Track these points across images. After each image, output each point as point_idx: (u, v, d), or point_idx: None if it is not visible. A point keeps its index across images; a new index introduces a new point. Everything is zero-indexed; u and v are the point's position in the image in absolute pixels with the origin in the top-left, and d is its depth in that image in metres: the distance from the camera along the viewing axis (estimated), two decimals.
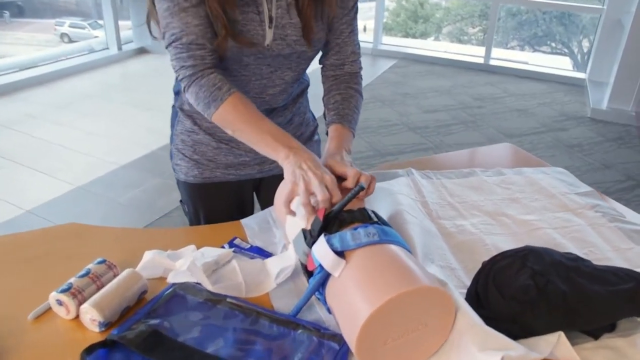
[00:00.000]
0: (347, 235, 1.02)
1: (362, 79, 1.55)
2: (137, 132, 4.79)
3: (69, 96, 5.77)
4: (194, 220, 1.70)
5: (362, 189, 1.12)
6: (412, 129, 4.95)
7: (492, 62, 6.91)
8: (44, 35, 11.09)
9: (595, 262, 1.20)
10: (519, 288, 1.02)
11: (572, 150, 4.55)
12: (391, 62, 7.22)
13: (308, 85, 1.67)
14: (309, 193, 1.12)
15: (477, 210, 1.50)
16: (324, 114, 1.49)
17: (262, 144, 1.27)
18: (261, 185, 1.73)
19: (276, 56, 1.37)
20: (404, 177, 1.64)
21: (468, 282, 1.16)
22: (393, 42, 8.21)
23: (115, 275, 1.14)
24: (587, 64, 6.40)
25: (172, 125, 1.63)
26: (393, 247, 1.02)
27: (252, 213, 1.72)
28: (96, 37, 8.14)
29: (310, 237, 1.08)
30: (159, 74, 6.43)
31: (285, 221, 1.22)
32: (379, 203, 1.40)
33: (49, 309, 1.10)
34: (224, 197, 1.66)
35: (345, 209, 1.10)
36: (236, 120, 1.29)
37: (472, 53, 7.24)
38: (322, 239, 1.04)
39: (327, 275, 1.02)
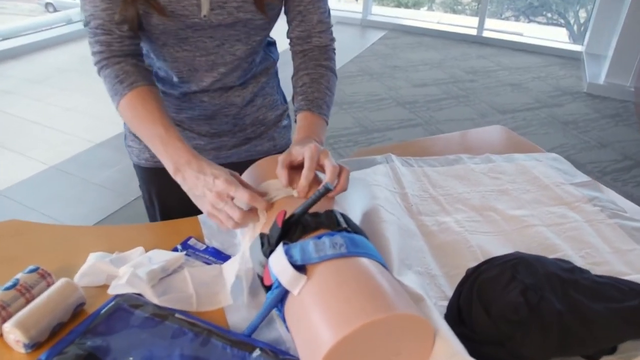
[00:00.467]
0: (310, 245, 0.88)
1: (334, 53, 1.38)
2: (113, 108, 4.58)
3: (45, 70, 5.62)
4: (150, 208, 1.59)
5: (327, 190, 0.96)
6: (400, 103, 4.80)
7: (486, 34, 6.74)
8: (28, 5, 10.81)
9: (593, 266, 1.08)
10: (508, 306, 0.89)
11: (567, 127, 4.40)
12: (381, 33, 7.07)
13: (275, 62, 1.51)
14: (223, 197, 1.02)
15: (462, 204, 1.35)
16: (292, 99, 1.33)
17: (154, 150, 1.16)
18: None
19: (217, 27, 1.21)
20: (382, 165, 1.49)
21: (450, 292, 1.03)
22: (383, 12, 8.03)
23: (49, 286, 0.99)
24: (585, 35, 6.24)
25: None
26: (363, 261, 0.87)
27: None
28: None
29: (267, 245, 0.93)
30: None
31: None
32: (353, 196, 1.26)
33: None
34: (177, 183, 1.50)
35: (310, 211, 0.96)
36: (131, 119, 1.20)
37: (465, 24, 7.07)
38: (280, 249, 0.89)
39: (286, 292, 0.87)
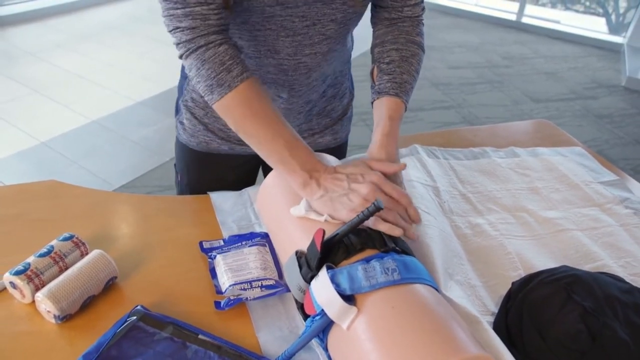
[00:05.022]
0: (358, 271, 0.78)
1: (423, 25, 1.19)
2: (156, 68, 4.73)
3: (94, 26, 5.77)
4: (184, 189, 1.46)
5: (378, 209, 0.82)
6: (434, 84, 4.74)
7: (525, 20, 6.60)
8: None
9: (635, 278, 1.05)
10: (566, 333, 0.83)
11: (601, 121, 4.30)
12: None
13: (351, 49, 1.34)
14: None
15: (494, 204, 1.31)
16: (372, 72, 1.17)
17: (274, 158, 0.99)
18: None
19: (313, 4, 1.02)
20: (408, 158, 1.44)
21: (491, 305, 1.00)
22: None
23: (82, 255, 1.01)
24: (627, 26, 6.06)
25: (184, 76, 1.32)
26: (418, 289, 0.78)
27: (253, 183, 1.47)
28: None
29: (307, 268, 0.83)
30: None
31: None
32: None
33: (5, 288, 0.97)
34: (228, 170, 1.41)
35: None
36: (242, 117, 0.99)
37: (505, 8, 6.94)
38: (324, 275, 0.79)
39: (331, 322, 0.78)
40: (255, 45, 1.10)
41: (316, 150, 1.03)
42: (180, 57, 1.01)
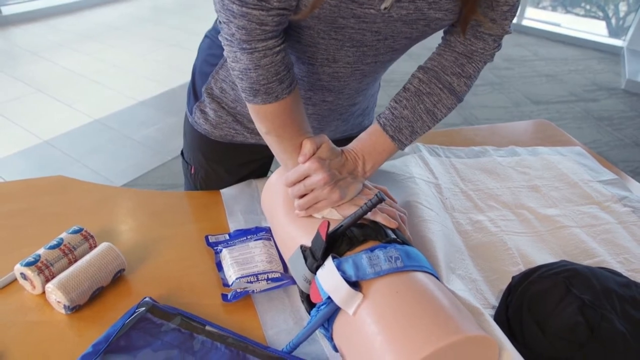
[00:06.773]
0: (363, 259, 0.81)
1: (479, 65, 1.07)
2: (158, 68, 4.75)
3: (95, 26, 5.82)
4: (197, 185, 1.40)
5: (380, 200, 0.85)
6: None
7: (525, 22, 6.62)
8: None
9: (634, 274, 1.07)
10: (565, 325, 0.84)
11: (601, 123, 4.32)
12: None
13: None
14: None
15: (494, 201, 1.33)
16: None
17: (286, 154, 1.02)
18: None
19: (392, 22, 0.93)
20: (411, 156, 1.45)
21: (492, 299, 1.02)
22: None
23: (91, 248, 1.03)
24: (626, 30, 6.08)
25: (211, 63, 1.22)
26: (420, 276, 0.81)
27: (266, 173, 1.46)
28: None
29: (312, 259, 0.85)
30: (191, 9, 6.51)
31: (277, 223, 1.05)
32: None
33: (16, 279, 0.99)
34: (250, 162, 1.36)
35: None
36: (284, 126, 0.99)
37: None
38: (330, 263, 0.81)
39: (337, 309, 0.81)
40: (313, 52, 1.02)
41: (338, 137, 1.08)
42: (226, 50, 0.94)
